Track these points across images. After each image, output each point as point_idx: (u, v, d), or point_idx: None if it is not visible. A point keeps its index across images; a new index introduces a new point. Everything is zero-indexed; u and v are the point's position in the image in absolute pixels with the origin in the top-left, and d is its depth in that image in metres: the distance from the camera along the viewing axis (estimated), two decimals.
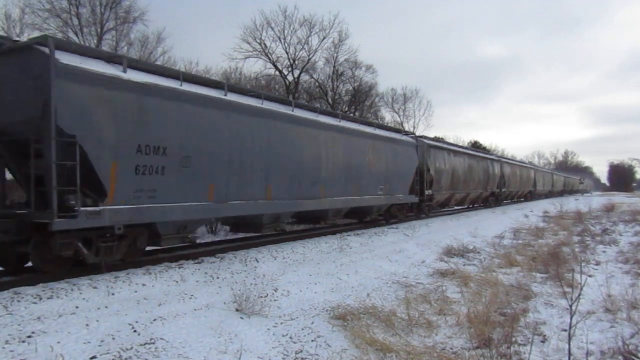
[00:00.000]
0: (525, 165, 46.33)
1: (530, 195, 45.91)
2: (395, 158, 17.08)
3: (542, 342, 5.86)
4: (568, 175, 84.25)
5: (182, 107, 8.54)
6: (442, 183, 21.70)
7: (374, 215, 16.45)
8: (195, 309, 6.10)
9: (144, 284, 7.02)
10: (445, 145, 23.83)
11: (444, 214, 25.03)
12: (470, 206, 30.26)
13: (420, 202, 19.72)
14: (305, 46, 35.83)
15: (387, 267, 9.84)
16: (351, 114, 31.65)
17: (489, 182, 29.78)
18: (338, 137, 13.42)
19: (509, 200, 39.55)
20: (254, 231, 11.48)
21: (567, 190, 73.78)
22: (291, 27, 35.09)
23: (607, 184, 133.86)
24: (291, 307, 6.62)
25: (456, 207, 28.34)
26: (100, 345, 4.76)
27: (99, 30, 25.59)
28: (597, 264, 11.32)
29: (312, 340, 5.52)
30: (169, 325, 5.46)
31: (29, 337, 4.78)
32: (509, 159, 41.32)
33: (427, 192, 19.78)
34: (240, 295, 6.27)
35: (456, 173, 23.52)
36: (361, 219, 16.42)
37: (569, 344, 4.73)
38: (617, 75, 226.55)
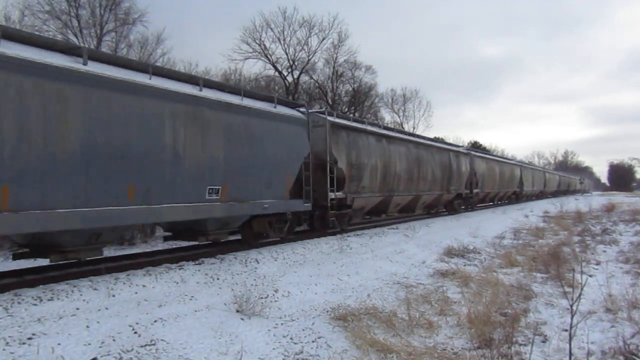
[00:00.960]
0: (507, 161, 39.03)
1: (516, 197, 39.71)
2: (256, 140, 10.29)
3: (543, 342, 5.85)
4: (565, 174, 78.72)
5: None
6: (365, 182, 14.95)
7: (212, 235, 9.91)
8: (195, 310, 6.09)
9: (144, 285, 7.02)
10: (368, 128, 16.17)
11: (376, 225, 17.84)
12: (431, 212, 23.79)
13: (324, 211, 13.09)
14: (305, 47, 35.93)
15: (387, 268, 9.84)
16: (351, 115, 31.65)
17: (453, 181, 23.04)
18: (76, 94, 6.92)
19: (490, 203, 34.35)
20: None
21: (563, 191, 67.99)
22: (291, 28, 35.19)
23: (607, 184, 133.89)
24: (292, 308, 6.62)
25: (411, 215, 21.58)
26: (100, 347, 4.76)
27: (98, 32, 25.61)
28: (598, 263, 11.32)
29: (313, 341, 5.52)
30: (170, 327, 5.46)
31: (29, 338, 4.78)
32: (483, 153, 33.21)
33: (331, 195, 13.05)
34: (240, 296, 6.27)
35: (392, 168, 16.65)
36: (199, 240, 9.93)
37: (570, 344, 4.73)
38: (617, 75, 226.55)
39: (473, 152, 27.97)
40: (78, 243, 7.56)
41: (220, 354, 4.93)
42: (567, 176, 77.13)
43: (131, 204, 7.70)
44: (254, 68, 48.08)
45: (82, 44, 22.33)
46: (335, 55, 37.75)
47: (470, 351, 5.40)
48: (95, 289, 6.59)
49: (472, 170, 26.25)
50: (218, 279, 7.79)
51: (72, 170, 6.91)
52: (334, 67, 38.27)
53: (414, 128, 49.16)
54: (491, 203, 34.92)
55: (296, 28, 35.29)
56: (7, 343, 4.63)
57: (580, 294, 5.54)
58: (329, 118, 13.51)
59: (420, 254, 11.88)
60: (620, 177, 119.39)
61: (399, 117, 50.43)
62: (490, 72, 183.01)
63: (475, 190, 26.85)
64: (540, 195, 51.78)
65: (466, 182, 25.40)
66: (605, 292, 7.77)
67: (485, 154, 34.24)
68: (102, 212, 7.27)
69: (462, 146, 29.65)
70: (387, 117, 48.86)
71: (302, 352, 5.20)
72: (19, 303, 5.80)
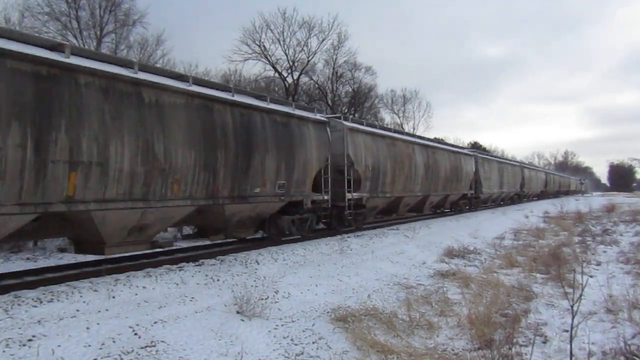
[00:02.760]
0: (445, 148, 23.23)
1: (469, 203, 26.69)
2: None
3: (544, 342, 5.85)
4: (556, 172, 69.39)
5: None
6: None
7: None
8: (196, 312, 6.09)
9: (144, 287, 7.01)
10: None
11: None
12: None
13: None
14: (305, 48, 35.95)
15: (387, 269, 9.83)
16: (351, 116, 31.65)
17: (260, 175, 10.49)
18: None
19: (410, 216, 21.15)
20: None
21: (552, 192, 55.67)
22: (290, 29, 35.20)
23: (608, 185, 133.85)
24: (292, 309, 6.62)
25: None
26: (101, 349, 4.76)
27: (98, 33, 25.63)
28: (598, 264, 11.31)
29: (313, 342, 5.52)
30: (170, 328, 5.45)
31: (29, 340, 4.78)
32: (383, 130, 17.71)
33: None
34: (241, 297, 6.26)
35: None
36: None
37: (571, 345, 4.72)
38: (617, 75, 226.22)
39: (355, 126, 15.02)
40: None
41: (221, 355, 4.93)
42: (558, 175, 66.49)
43: None
44: (254, 69, 48.08)
45: (82, 46, 22.37)
46: (335, 56, 37.82)
47: (470, 352, 5.39)
48: (95, 291, 6.59)
49: (345, 158, 13.81)
50: (218, 280, 7.79)
51: None
52: (333, 68, 38.34)
53: (413, 129, 49.16)
54: (413, 216, 21.44)
55: (296, 29, 35.33)
56: (7, 345, 4.63)
57: (580, 295, 5.53)
58: None
59: (420, 254, 11.86)
60: (621, 177, 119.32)
61: (399, 118, 50.48)
62: (490, 73, 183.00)
63: (351, 196, 13.93)
64: (518, 199, 39.14)
65: (322, 179, 12.93)
66: (605, 292, 7.76)
67: (390, 131, 18.60)
68: None
69: (320, 112, 15.98)
70: (387, 118, 48.92)
71: (302, 353, 5.19)
72: (19, 305, 5.80)
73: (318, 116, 13.33)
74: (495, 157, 37.96)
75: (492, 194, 30.68)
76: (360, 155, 14.63)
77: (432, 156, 20.29)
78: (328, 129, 13.37)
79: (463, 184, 24.46)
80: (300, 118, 12.16)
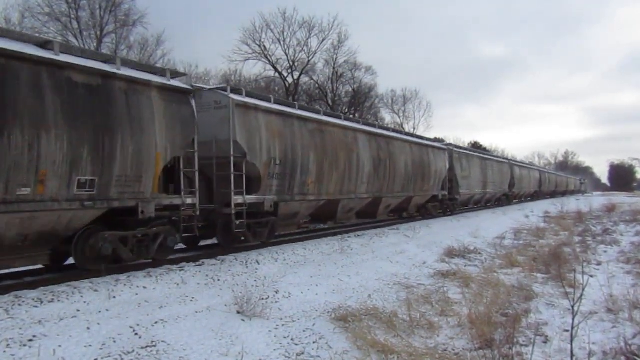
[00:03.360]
0: (402, 137, 18.22)
1: (441, 206, 22.16)
2: None
3: (544, 342, 5.85)
4: (553, 171, 66.26)
5: None
6: None
7: None
8: (196, 312, 6.09)
9: (144, 287, 7.01)
10: None
11: None
12: None
13: None
14: (305, 48, 36.03)
15: (388, 268, 9.84)
16: (351, 116, 31.60)
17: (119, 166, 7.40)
18: None
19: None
20: None
21: (548, 193, 52.05)
22: (291, 29, 35.32)
23: (608, 184, 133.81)
24: (292, 309, 6.62)
25: None
26: (101, 349, 4.76)
27: (98, 33, 25.69)
28: (599, 264, 11.31)
29: (314, 342, 5.52)
30: (171, 328, 5.46)
31: (30, 340, 4.78)
32: (298, 111, 12.34)
33: None
34: (241, 297, 6.27)
35: None
36: None
37: (571, 345, 4.73)
38: (617, 75, 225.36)
39: (249, 101, 10.62)
40: None
41: (221, 355, 4.93)
42: (555, 174, 62.74)
43: None
44: (255, 69, 48.11)
45: (82, 46, 22.37)
46: (335, 56, 37.93)
47: (471, 352, 5.40)
48: (95, 291, 6.58)
49: (232, 146, 10.00)
50: (219, 280, 7.78)
51: None
52: (334, 68, 38.43)
53: (414, 129, 49.18)
54: (362, 223, 17.43)
55: (296, 29, 35.46)
56: (8, 345, 4.63)
57: (581, 295, 5.53)
58: None
59: (421, 254, 11.86)
60: (621, 177, 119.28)
61: (399, 117, 50.53)
62: (490, 73, 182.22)
63: (243, 199, 10.11)
64: (505, 202, 33.78)
65: (181, 175, 9.24)
66: (606, 292, 7.76)
67: (319, 114, 13.62)
68: None
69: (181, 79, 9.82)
70: (388, 117, 48.97)
71: (303, 353, 5.20)
72: (19, 305, 5.80)
73: (173, 82, 8.89)
74: (477, 151, 31.42)
75: (473, 195, 26.02)
76: (258, 143, 10.50)
77: (385, 148, 15.87)
78: (193, 102, 9.19)
79: (432, 183, 20.01)
80: (132, 81, 7.93)
